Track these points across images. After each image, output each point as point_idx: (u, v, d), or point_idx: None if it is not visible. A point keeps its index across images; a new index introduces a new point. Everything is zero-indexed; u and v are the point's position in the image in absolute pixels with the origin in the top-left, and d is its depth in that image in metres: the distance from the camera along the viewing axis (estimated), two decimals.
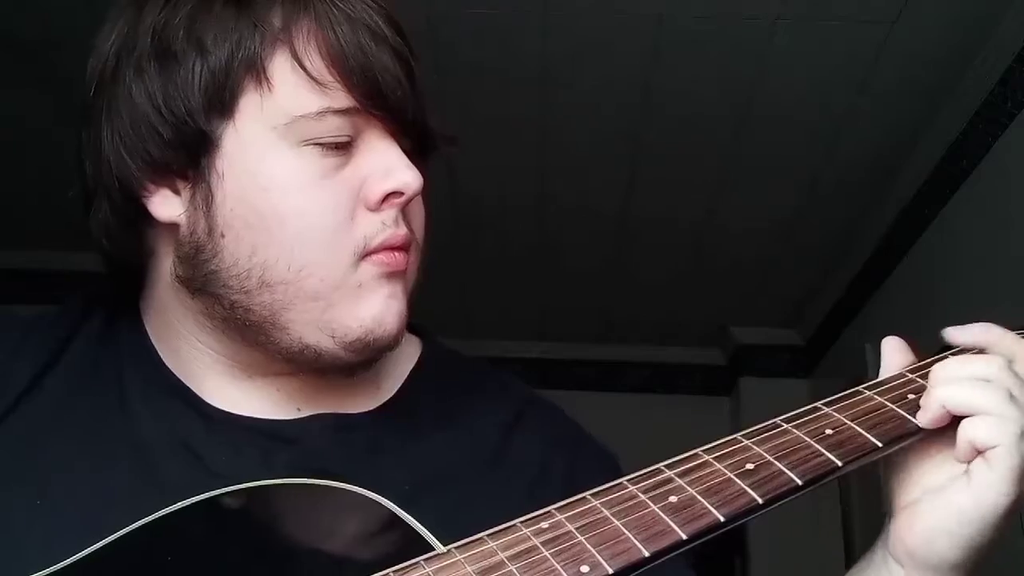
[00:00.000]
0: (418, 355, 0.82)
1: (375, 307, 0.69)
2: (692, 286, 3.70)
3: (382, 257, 0.69)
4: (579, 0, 2.37)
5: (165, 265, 0.72)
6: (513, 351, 3.96)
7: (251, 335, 0.70)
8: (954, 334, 0.70)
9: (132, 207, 0.70)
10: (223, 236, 0.68)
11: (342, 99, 0.68)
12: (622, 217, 3.29)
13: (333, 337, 0.69)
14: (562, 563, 0.53)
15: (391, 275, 0.70)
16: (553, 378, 3.90)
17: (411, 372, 0.80)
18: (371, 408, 0.75)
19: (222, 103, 0.67)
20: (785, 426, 0.63)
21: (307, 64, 0.67)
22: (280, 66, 0.67)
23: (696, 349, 4.18)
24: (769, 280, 3.66)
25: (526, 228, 3.38)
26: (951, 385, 0.63)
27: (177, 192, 0.70)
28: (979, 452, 0.61)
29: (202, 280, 0.69)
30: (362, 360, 0.71)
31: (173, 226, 0.70)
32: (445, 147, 0.77)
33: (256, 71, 0.67)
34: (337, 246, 0.68)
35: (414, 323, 0.81)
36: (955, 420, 0.63)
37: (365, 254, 0.69)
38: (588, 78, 2.63)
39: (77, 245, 3.49)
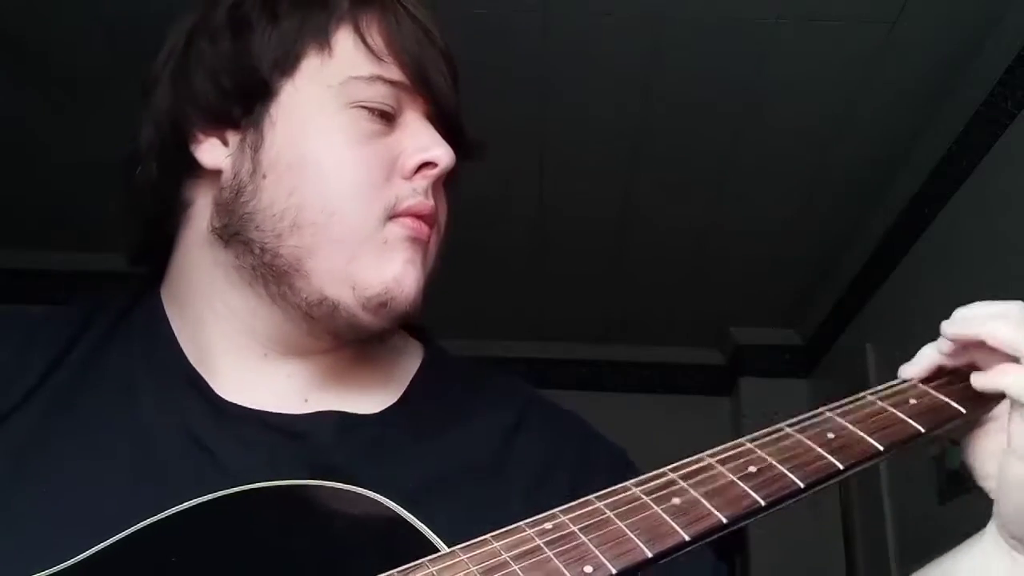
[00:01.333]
0: (421, 358, 0.83)
1: (396, 267, 0.73)
2: (692, 286, 3.70)
3: (409, 221, 0.73)
4: (579, 0, 2.37)
5: (201, 219, 0.76)
6: (513, 351, 3.96)
7: (275, 286, 0.73)
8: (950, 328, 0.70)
9: (180, 156, 0.75)
10: (264, 177, 0.73)
11: (394, 72, 0.75)
12: (622, 217, 3.29)
13: (354, 289, 0.72)
14: (565, 563, 0.53)
15: (415, 240, 0.74)
16: (553, 378, 3.91)
17: (415, 375, 0.81)
18: (377, 410, 0.76)
19: (286, 62, 0.74)
20: (788, 430, 0.64)
21: (368, 39, 0.74)
22: (343, 37, 0.75)
23: (696, 349, 4.19)
24: (769, 280, 3.67)
25: (526, 228, 3.39)
26: (995, 320, 0.65)
27: (225, 143, 0.75)
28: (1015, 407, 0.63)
29: (238, 224, 0.73)
30: (376, 324, 0.73)
31: (215, 176, 0.75)
32: (475, 157, 0.82)
33: (321, 38, 0.74)
34: (369, 199, 0.72)
35: (417, 327, 0.84)
36: (965, 419, 0.65)
37: (394, 215, 0.73)
38: (588, 78, 2.63)
39: (78, 245, 3.47)
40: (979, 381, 0.66)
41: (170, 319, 0.78)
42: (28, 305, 0.79)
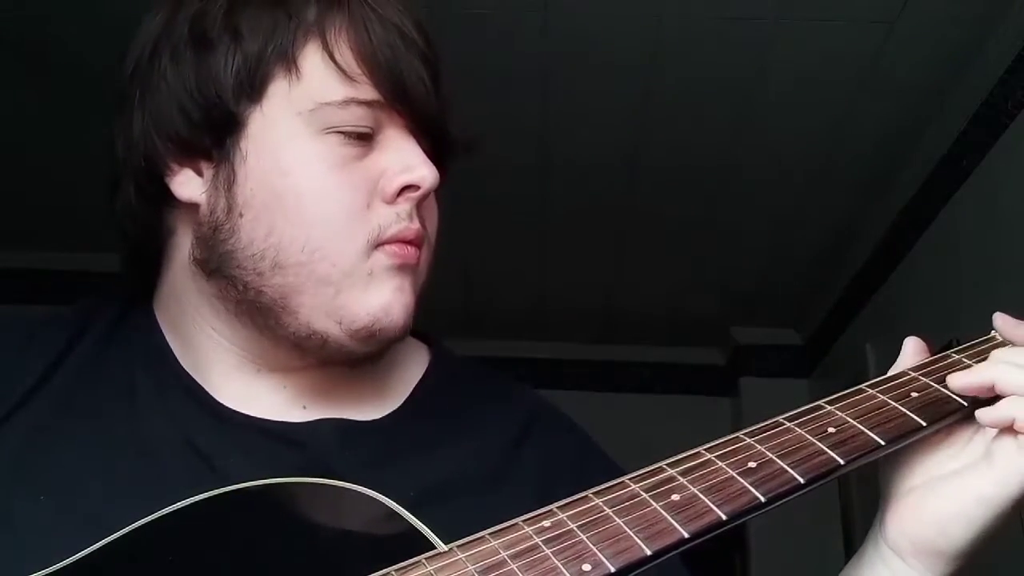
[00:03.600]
0: (426, 364, 0.82)
1: (384, 297, 0.70)
2: (692, 286, 3.70)
3: (394, 248, 0.71)
4: (579, 0, 2.37)
5: (183, 247, 0.74)
6: (513, 351, 3.95)
7: (261, 320, 0.71)
8: (1007, 325, 0.70)
9: (156, 187, 0.73)
10: (241, 216, 0.70)
11: (367, 91, 0.70)
12: (622, 217, 3.29)
13: (340, 323, 0.70)
14: (564, 561, 0.53)
15: (401, 267, 0.71)
16: (553, 378, 3.90)
17: (419, 382, 0.80)
18: (378, 416, 0.76)
19: (252, 87, 0.70)
20: (788, 424, 0.63)
21: (337, 56, 0.70)
22: (311, 56, 0.70)
23: (696, 349, 4.18)
24: (769, 280, 3.66)
25: (526, 227, 3.39)
26: (1011, 367, 0.64)
27: (200, 173, 0.72)
28: (1013, 432, 0.62)
29: (218, 260, 0.71)
30: (367, 351, 0.72)
31: (193, 207, 0.72)
32: (464, 152, 0.79)
33: (287, 59, 0.70)
34: (351, 232, 0.69)
35: (422, 331, 0.82)
36: (965, 413, 0.65)
37: (378, 243, 0.70)
38: (588, 78, 2.63)
39: (78, 245, 3.47)
40: (985, 415, 0.64)
41: (164, 332, 0.77)
42: (28, 305, 0.79)
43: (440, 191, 0.75)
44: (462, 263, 3.45)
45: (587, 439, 0.84)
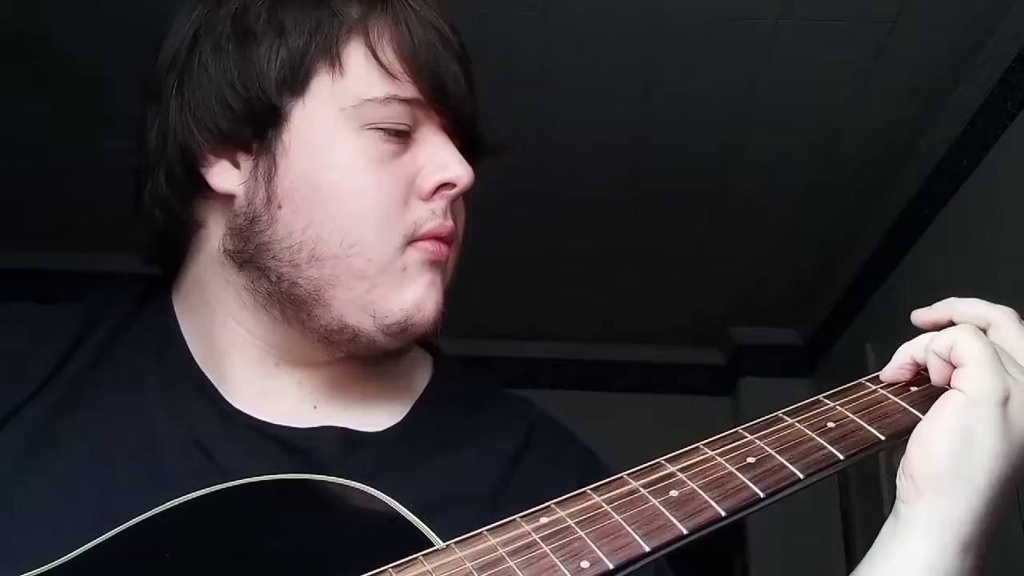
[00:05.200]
0: (430, 374, 0.82)
1: (417, 292, 0.71)
2: (692, 286, 3.70)
3: (428, 245, 0.72)
4: (579, 0, 2.37)
5: (213, 238, 0.74)
6: (512, 351, 3.96)
7: (292, 311, 0.72)
8: (920, 315, 0.72)
9: (190, 178, 0.73)
10: (280, 207, 0.70)
11: (408, 89, 0.71)
12: (622, 217, 3.29)
13: (374, 317, 0.70)
14: (562, 558, 0.53)
15: (434, 263, 0.72)
16: (552, 378, 3.90)
17: (422, 394, 0.80)
18: (382, 428, 0.76)
19: (295, 81, 0.70)
20: (787, 419, 0.63)
21: (380, 54, 0.71)
22: (354, 53, 0.71)
23: (696, 349, 4.18)
24: (769, 280, 3.66)
25: (526, 227, 3.39)
26: (966, 302, 0.69)
27: (237, 165, 0.72)
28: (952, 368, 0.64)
29: (253, 251, 0.71)
30: (395, 345, 0.73)
31: (227, 199, 0.73)
32: (494, 155, 0.80)
33: (331, 55, 0.71)
34: (388, 228, 0.70)
35: (427, 340, 0.81)
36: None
37: (413, 240, 0.71)
38: (588, 78, 2.63)
39: (78, 245, 3.47)
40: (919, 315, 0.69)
41: (181, 324, 0.77)
42: (38, 304, 0.79)
43: (468, 193, 0.76)
44: (462, 263, 3.45)
45: (588, 452, 0.84)
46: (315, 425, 0.73)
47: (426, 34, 0.72)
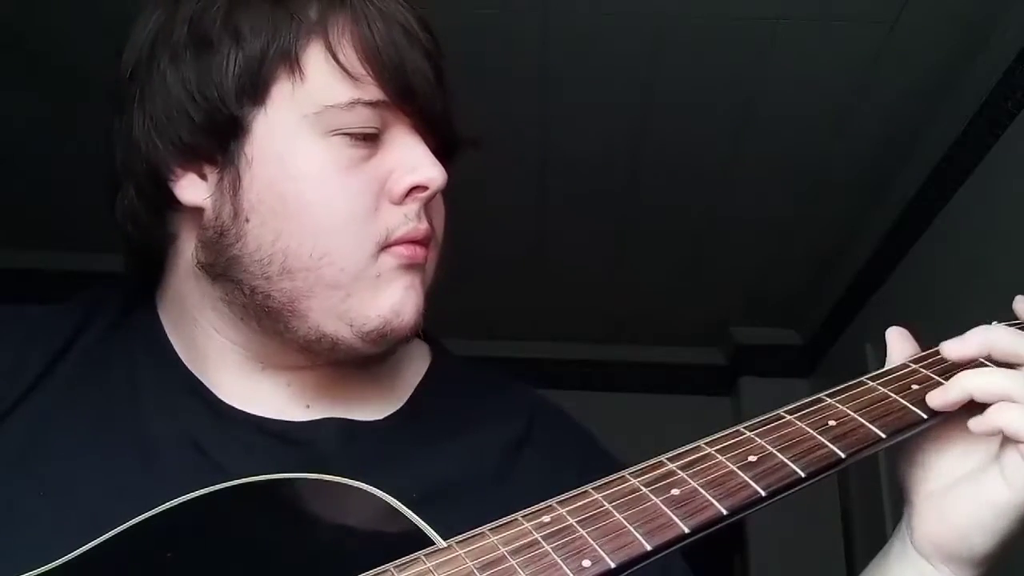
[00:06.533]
0: (427, 364, 0.82)
1: (393, 297, 0.70)
2: (692, 286, 3.70)
3: (402, 250, 0.70)
4: (579, 0, 2.37)
5: (187, 251, 0.73)
6: (514, 351, 3.95)
7: (269, 323, 0.71)
8: (952, 348, 0.67)
9: (159, 191, 0.71)
10: (248, 221, 0.69)
11: (373, 92, 0.69)
12: (623, 217, 3.29)
13: (351, 326, 0.69)
14: (563, 557, 0.53)
15: (410, 267, 0.71)
16: (554, 378, 3.90)
17: (421, 382, 0.80)
18: (381, 417, 0.75)
19: (255, 90, 0.68)
20: (788, 417, 0.62)
21: (340, 56, 0.68)
22: (314, 57, 0.68)
23: (696, 349, 4.18)
24: (769, 280, 3.66)
25: (527, 227, 3.39)
26: (980, 372, 0.63)
27: (204, 177, 0.71)
28: (1009, 441, 0.61)
29: (224, 265, 0.70)
30: (377, 352, 0.72)
31: (197, 211, 0.71)
32: (468, 149, 0.78)
33: (290, 61, 0.68)
34: (359, 236, 0.69)
35: (424, 330, 0.81)
36: (968, 408, 0.63)
37: (386, 245, 0.70)
38: (588, 78, 2.63)
39: (78, 245, 3.46)
40: (976, 425, 0.63)
41: (166, 330, 0.77)
42: (28, 305, 0.79)
43: (447, 190, 0.74)
44: (462, 263, 3.45)
45: (589, 436, 0.84)
46: (312, 418, 0.73)
47: (389, 31, 0.69)
